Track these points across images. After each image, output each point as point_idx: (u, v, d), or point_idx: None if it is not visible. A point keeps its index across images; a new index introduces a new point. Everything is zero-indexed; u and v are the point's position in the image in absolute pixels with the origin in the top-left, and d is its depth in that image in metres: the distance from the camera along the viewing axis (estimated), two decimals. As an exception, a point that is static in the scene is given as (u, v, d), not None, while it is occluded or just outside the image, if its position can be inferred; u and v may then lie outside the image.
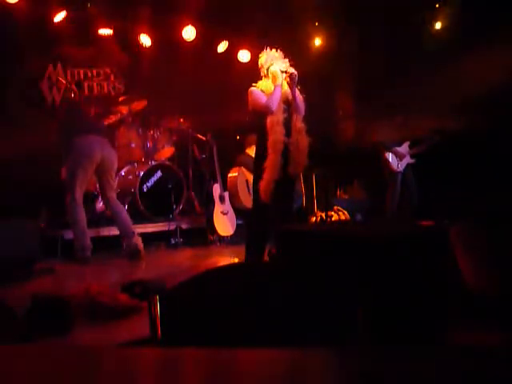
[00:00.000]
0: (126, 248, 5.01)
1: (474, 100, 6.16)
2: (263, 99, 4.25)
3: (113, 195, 5.09)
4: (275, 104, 4.19)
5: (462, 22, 7.04)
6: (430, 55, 7.27)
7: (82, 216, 4.80)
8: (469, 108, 6.36)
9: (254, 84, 4.42)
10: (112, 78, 7.28)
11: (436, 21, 7.61)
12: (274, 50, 4.52)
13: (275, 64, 4.38)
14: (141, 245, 4.99)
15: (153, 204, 6.14)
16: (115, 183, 5.23)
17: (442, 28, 7.62)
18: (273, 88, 4.28)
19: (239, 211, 6.44)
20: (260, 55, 4.54)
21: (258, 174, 4.17)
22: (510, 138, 6.46)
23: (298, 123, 4.30)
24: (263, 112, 4.23)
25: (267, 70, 4.42)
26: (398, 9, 6.91)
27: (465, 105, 6.29)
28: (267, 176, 4.10)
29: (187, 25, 7.24)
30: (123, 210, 5.22)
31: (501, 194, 6.27)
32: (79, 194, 4.81)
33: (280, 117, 4.23)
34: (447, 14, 7.38)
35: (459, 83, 6.18)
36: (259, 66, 4.51)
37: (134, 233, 5.03)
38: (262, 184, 4.10)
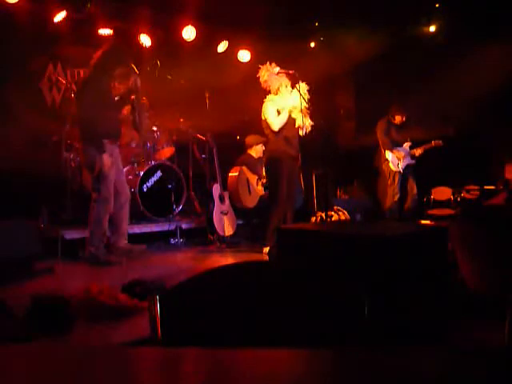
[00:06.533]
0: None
1: (472, 102, 6.17)
2: None
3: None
4: None
5: (458, 24, 7.05)
6: (428, 57, 7.27)
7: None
8: (468, 110, 6.37)
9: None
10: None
11: (432, 23, 7.61)
12: (271, 66, 5.26)
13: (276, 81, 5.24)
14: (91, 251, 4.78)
15: (153, 204, 6.13)
16: (93, 182, 4.91)
17: (437, 30, 7.62)
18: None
19: (239, 211, 6.44)
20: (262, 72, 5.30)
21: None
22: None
23: None
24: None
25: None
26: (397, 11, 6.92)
27: (464, 107, 6.29)
28: None
29: (187, 25, 7.23)
30: (91, 212, 4.88)
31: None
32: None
33: None
34: (443, 16, 7.38)
35: (458, 86, 6.18)
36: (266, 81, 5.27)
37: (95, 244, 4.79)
38: None
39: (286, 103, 5.17)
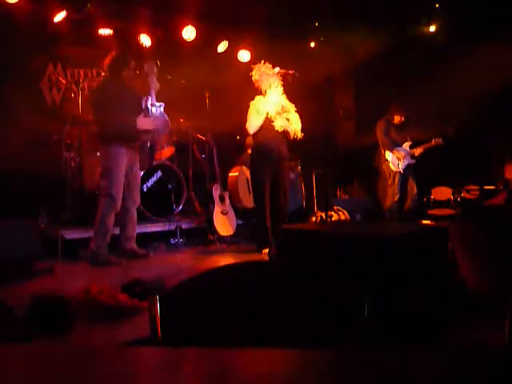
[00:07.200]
0: None
1: (472, 102, 6.17)
2: None
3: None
4: None
5: (457, 24, 7.05)
6: (428, 57, 7.28)
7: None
8: (468, 110, 6.37)
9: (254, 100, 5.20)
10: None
11: (432, 23, 7.61)
12: (264, 65, 5.21)
13: (266, 81, 5.17)
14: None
15: (153, 204, 6.13)
16: (101, 178, 4.95)
17: (437, 30, 7.63)
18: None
19: (239, 211, 6.43)
20: (254, 72, 5.23)
21: None
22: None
23: None
24: None
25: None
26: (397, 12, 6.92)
27: (464, 107, 6.30)
28: None
29: (187, 25, 7.24)
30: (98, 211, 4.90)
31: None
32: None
33: None
34: (443, 16, 7.39)
35: (458, 86, 6.19)
36: (257, 81, 5.21)
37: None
38: None
39: (266, 107, 5.12)
